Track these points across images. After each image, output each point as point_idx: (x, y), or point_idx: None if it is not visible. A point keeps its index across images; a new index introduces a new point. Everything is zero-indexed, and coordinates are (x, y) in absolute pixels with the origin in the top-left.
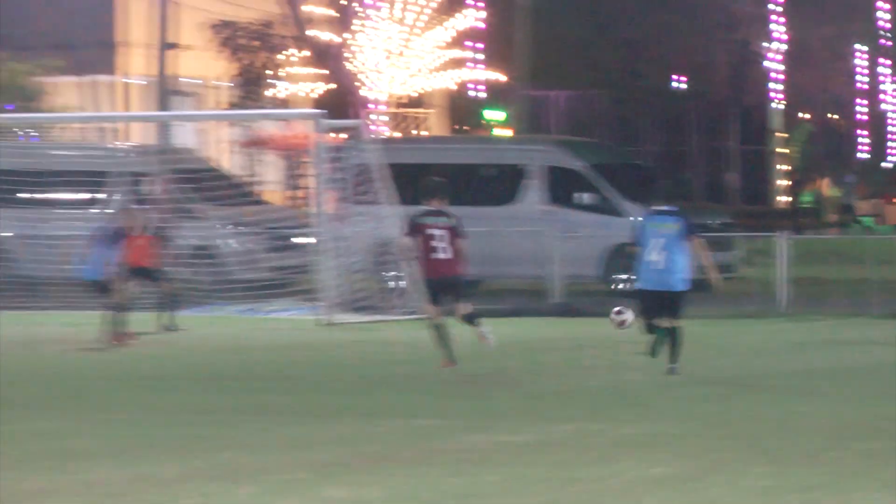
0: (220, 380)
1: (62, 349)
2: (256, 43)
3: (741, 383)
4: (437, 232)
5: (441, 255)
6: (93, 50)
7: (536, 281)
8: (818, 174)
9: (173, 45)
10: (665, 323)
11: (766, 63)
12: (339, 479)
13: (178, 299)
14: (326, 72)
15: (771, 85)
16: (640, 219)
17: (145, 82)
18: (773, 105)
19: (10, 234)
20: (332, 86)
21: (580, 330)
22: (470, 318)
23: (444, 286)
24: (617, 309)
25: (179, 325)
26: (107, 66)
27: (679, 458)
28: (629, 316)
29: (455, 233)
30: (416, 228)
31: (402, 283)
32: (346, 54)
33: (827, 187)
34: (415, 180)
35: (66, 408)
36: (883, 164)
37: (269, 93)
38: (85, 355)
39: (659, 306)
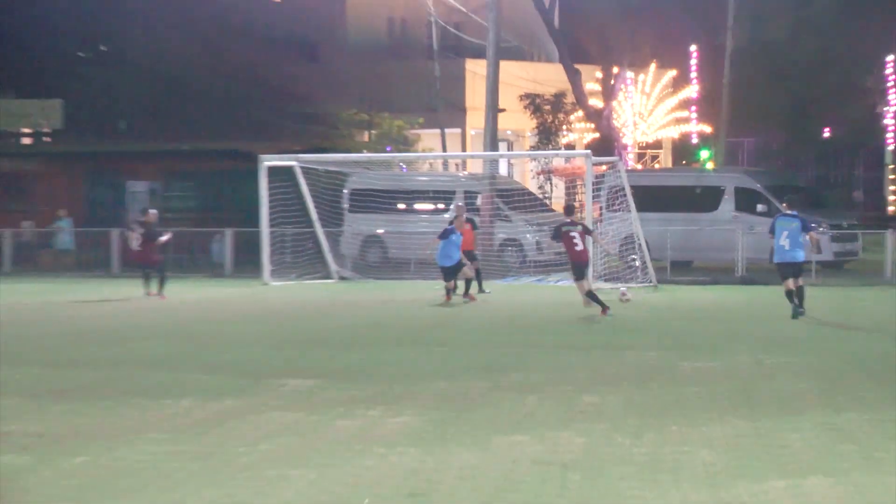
0: (516, 325)
1: (415, 304)
2: (548, 107)
3: (863, 328)
4: (574, 234)
5: (579, 247)
6: (447, 111)
7: (728, 262)
8: None
9: (501, 109)
10: (792, 284)
11: (884, 120)
12: (592, 390)
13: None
14: (594, 125)
15: (887, 134)
16: (774, 218)
17: (474, 133)
18: (889, 147)
19: (383, 230)
20: (597, 135)
21: (755, 294)
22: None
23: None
24: (622, 289)
25: (486, 290)
26: (456, 122)
27: (817, 380)
28: (630, 294)
29: (586, 231)
30: (558, 232)
31: (638, 263)
32: (610, 114)
33: None
34: (650, 196)
35: (405, 343)
36: None
37: (558, 139)
38: (430, 308)
39: (791, 272)
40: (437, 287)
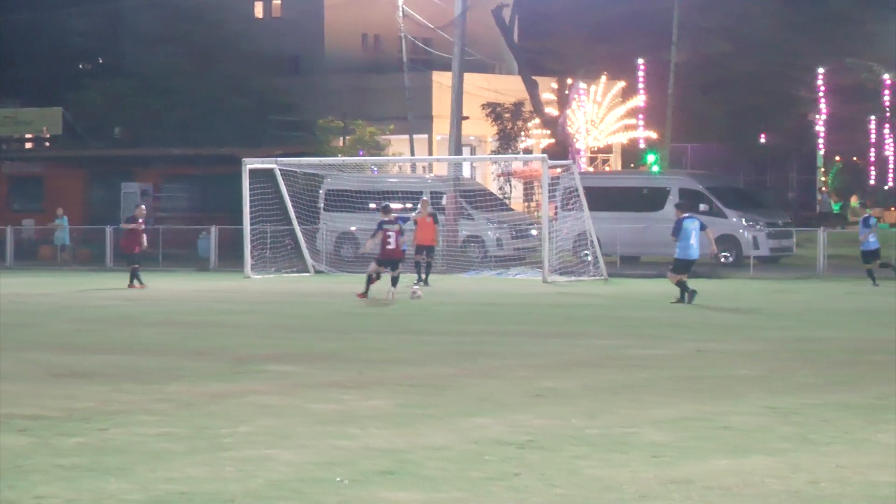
0: (485, 316)
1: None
2: (508, 115)
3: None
4: (391, 233)
5: (391, 245)
6: (416, 119)
7: (672, 257)
8: (847, 193)
9: (465, 117)
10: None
11: (816, 127)
12: (547, 374)
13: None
14: (550, 132)
15: (818, 140)
16: (677, 221)
17: (440, 138)
18: (820, 152)
19: (356, 228)
20: (552, 140)
21: (696, 286)
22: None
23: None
24: (414, 287)
25: (428, 283)
26: (423, 129)
27: (755, 366)
28: (420, 293)
29: (401, 231)
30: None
31: (591, 258)
32: (564, 121)
33: (854, 200)
34: (601, 197)
35: (378, 331)
36: (886, 187)
37: (517, 145)
38: (401, 299)
39: (692, 266)
40: (406, 281)
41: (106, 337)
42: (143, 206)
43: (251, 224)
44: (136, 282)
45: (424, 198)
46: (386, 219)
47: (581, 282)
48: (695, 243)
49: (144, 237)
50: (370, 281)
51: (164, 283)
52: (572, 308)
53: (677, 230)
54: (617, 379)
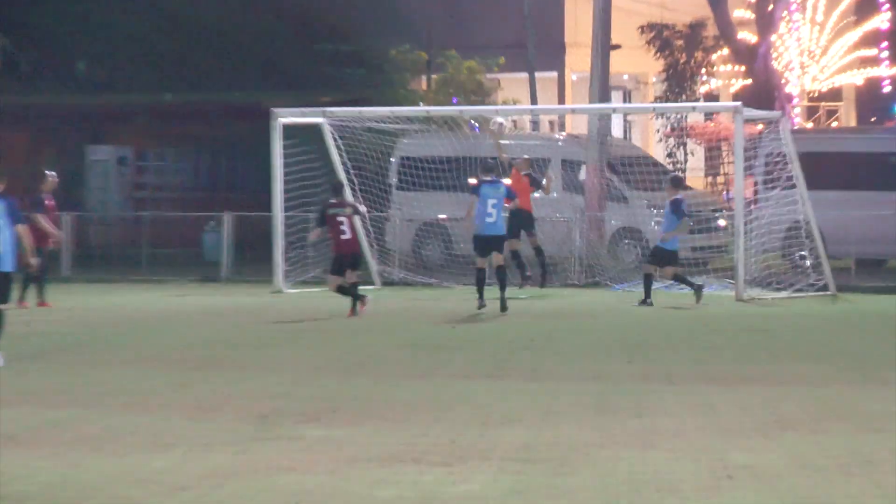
0: (640, 350)
1: (495, 317)
2: (681, 43)
3: None
4: (342, 218)
5: (346, 235)
6: (539, 49)
7: None
8: None
9: (615, 46)
10: None
11: None
12: (741, 443)
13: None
14: (745, 68)
15: None
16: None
17: (576, 78)
18: None
19: (447, 215)
20: (750, 81)
21: None
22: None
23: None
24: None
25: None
26: (551, 64)
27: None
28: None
29: (356, 212)
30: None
31: (809, 262)
32: (768, 52)
33: None
34: (825, 168)
35: (471, 375)
36: None
37: (694, 88)
38: (521, 321)
39: None
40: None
41: (49, 379)
42: (54, 175)
43: (285, 210)
44: (28, 295)
45: (525, 156)
46: (334, 201)
47: (795, 299)
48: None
49: (50, 226)
50: (347, 292)
51: (149, 299)
52: (779, 338)
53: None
54: (847, 448)
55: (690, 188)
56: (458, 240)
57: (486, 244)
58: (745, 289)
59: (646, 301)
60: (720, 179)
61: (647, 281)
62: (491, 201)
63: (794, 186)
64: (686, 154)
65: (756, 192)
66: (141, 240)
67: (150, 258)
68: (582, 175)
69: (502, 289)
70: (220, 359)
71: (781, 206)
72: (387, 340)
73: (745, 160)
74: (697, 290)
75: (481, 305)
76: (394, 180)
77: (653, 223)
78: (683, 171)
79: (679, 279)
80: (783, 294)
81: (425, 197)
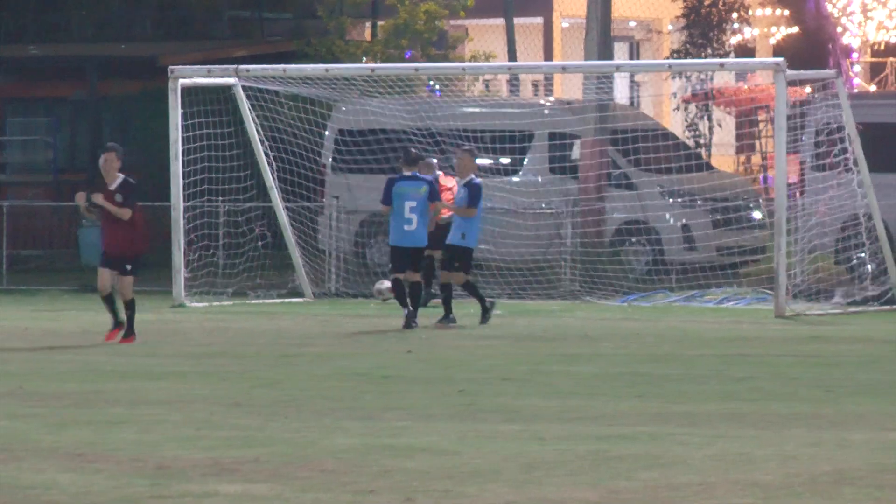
0: (649, 380)
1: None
2: None
3: None
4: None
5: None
6: None
7: None
8: None
9: None
10: None
11: None
12: (784, 501)
13: None
14: (789, 13)
15: None
16: None
17: (567, 25)
18: None
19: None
20: (795, 30)
21: None
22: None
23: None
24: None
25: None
26: (534, 7)
27: None
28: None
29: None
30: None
31: (869, 268)
32: None
33: None
34: (889, 145)
35: (434, 418)
36: None
37: (723, 38)
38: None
39: None
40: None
41: None
42: None
43: (187, 199)
44: None
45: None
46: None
47: (852, 315)
48: None
49: None
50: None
51: (12, 316)
52: (831, 366)
53: None
54: None
55: (715, 170)
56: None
57: (402, 257)
58: (787, 302)
59: (447, 318)
60: (756, 159)
61: (445, 292)
62: (409, 204)
63: (851, 169)
64: (712, 126)
65: (802, 176)
66: None
67: (12, 262)
68: (575, 153)
69: (415, 306)
70: (106, 393)
71: (835, 195)
72: (323, 369)
73: (788, 134)
74: (485, 310)
75: (408, 324)
76: (328, 160)
77: (668, 216)
78: (708, 147)
79: (470, 290)
80: (836, 309)
81: (370, 181)
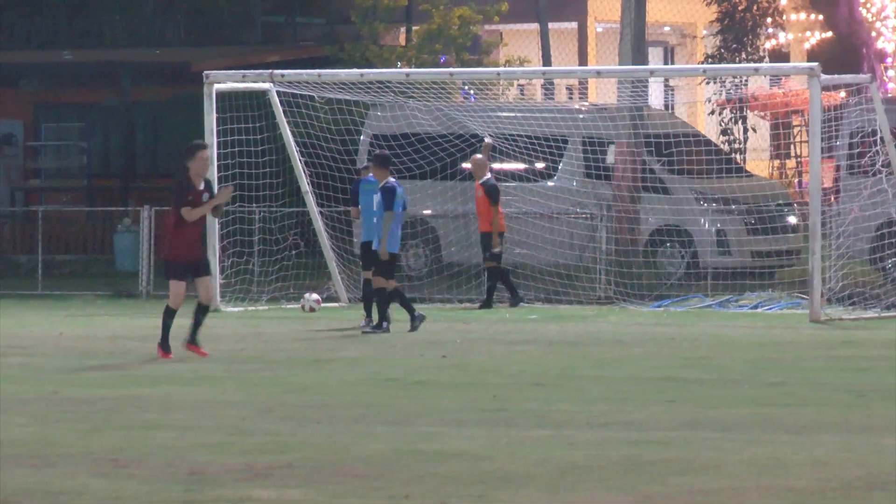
0: (681, 385)
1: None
2: None
3: None
4: None
5: None
6: None
7: None
8: None
9: None
10: None
11: None
12: None
13: None
14: (823, 18)
15: None
16: None
17: (601, 29)
18: None
19: (432, 210)
20: (830, 34)
21: None
22: None
23: None
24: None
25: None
26: (569, 12)
27: None
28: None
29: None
30: None
31: None
32: None
33: None
34: None
35: (467, 423)
36: None
37: (757, 43)
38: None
39: None
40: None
41: None
42: None
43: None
44: None
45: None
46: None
47: (886, 319)
48: None
49: None
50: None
51: (45, 321)
52: (866, 371)
53: None
54: None
55: (749, 174)
56: (447, 242)
57: (365, 252)
58: (822, 307)
59: (381, 326)
60: (790, 164)
61: (381, 296)
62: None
63: (888, 173)
64: (746, 131)
65: (837, 181)
66: (34, 243)
67: (47, 266)
68: (610, 157)
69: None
70: (138, 398)
71: (870, 199)
72: (356, 375)
73: (823, 139)
74: (413, 320)
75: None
76: (363, 165)
77: (704, 221)
78: (742, 152)
79: (398, 297)
80: (871, 313)
81: (405, 186)
